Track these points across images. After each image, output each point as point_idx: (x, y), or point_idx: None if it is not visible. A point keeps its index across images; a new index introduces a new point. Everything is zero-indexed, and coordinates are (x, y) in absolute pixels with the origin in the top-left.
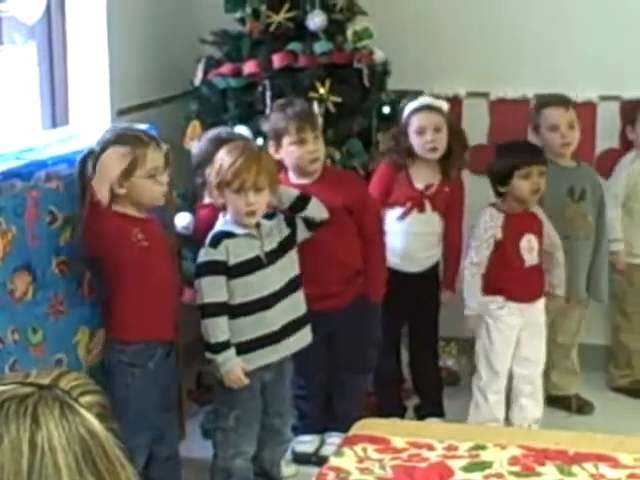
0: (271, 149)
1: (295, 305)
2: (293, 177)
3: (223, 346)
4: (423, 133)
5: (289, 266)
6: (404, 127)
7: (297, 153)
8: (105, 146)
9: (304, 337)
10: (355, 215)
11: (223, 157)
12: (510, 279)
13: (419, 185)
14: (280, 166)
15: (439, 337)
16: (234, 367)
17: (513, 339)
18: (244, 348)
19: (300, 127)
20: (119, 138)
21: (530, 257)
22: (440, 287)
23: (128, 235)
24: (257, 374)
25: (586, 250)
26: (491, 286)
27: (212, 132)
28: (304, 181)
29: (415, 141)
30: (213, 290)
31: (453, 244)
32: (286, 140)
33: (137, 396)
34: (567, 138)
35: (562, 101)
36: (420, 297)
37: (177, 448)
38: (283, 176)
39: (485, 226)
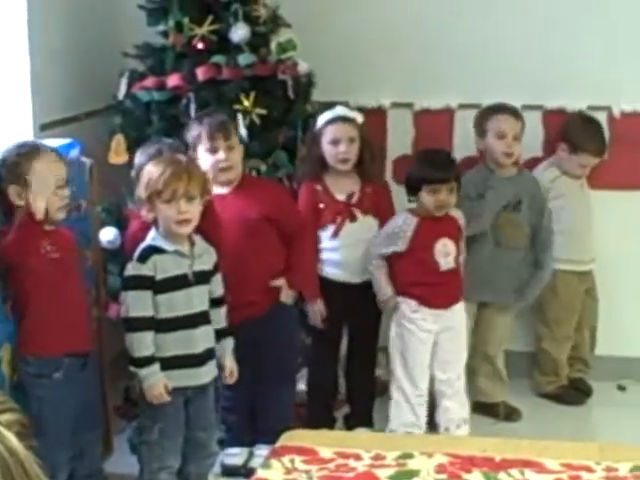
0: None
1: (211, 335)
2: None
3: (147, 361)
4: (336, 144)
5: (214, 290)
6: (317, 137)
7: (209, 161)
8: (8, 156)
9: (214, 368)
10: (278, 222)
11: (151, 170)
12: (424, 284)
13: (341, 196)
14: None
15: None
16: (157, 382)
17: (429, 343)
18: (167, 364)
19: (212, 136)
20: (20, 150)
21: (445, 261)
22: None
23: (37, 246)
24: (180, 388)
25: (514, 259)
26: (405, 289)
27: (152, 146)
28: (222, 191)
29: (328, 151)
30: (139, 304)
31: None
32: (200, 148)
33: (50, 408)
34: (511, 148)
35: (514, 111)
36: (360, 308)
37: (100, 465)
38: None
39: (396, 225)
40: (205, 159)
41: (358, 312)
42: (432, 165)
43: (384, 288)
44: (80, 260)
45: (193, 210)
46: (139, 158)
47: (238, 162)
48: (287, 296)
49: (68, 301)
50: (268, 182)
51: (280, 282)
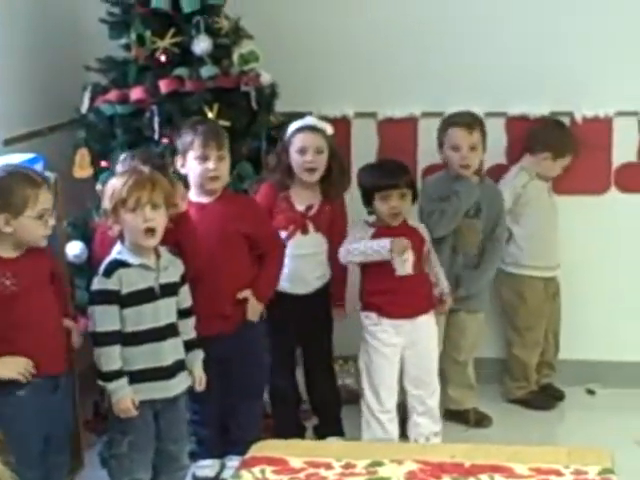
0: (178, 163)
1: (180, 347)
2: (194, 194)
3: (115, 375)
4: (304, 153)
5: (181, 301)
6: (286, 145)
7: (198, 169)
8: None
9: (186, 379)
10: (253, 239)
11: (114, 182)
12: (382, 292)
13: (300, 207)
14: (184, 183)
15: (338, 356)
16: (124, 397)
17: (394, 358)
18: (135, 377)
19: (204, 144)
20: (12, 176)
21: (401, 267)
22: (330, 308)
23: None
24: (149, 401)
25: (469, 265)
26: (366, 300)
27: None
28: (203, 199)
29: (295, 160)
30: (105, 319)
31: (338, 262)
32: (190, 155)
33: (14, 426)
34: (466, 160)
35: (468, 123)
36: (312, 318)
37: None
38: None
39: (355, 232)
40: (194, 166)
41: (309, 323)
42: (380, 171)
43: (379, 243)
44: (57, 276)
45: (158, 219)
46: (118, 169)
47: (226, 173)
48: (254, 312)
49: (34, 327)
50: (248, 198)
51: (246, 293)
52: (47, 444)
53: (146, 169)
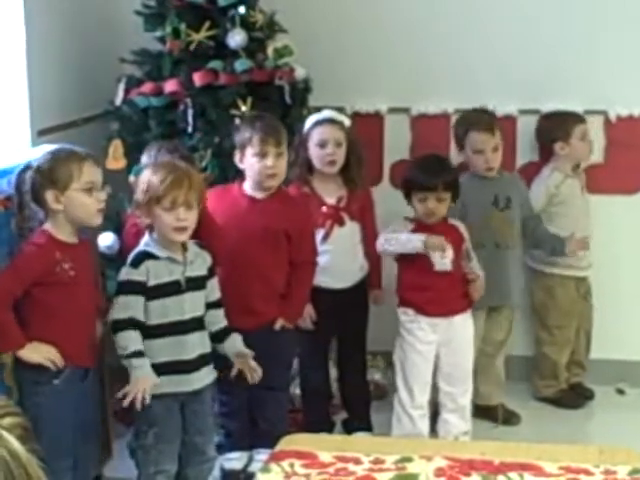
0: (236, 158)
1: (205, 341)
2: (249, 188)
3: (136, 354)
4: (324, 146)
5: (210, 294)
6: (305, 139)
7: (256, 166)
8: (43, 162)
9: (211, 373)
10: (292, 242)
11: (149, 176)
12: (420, 288)
13: (331, 200)
14: (241, 176)
15: (367, 351)
16: (145, 376)
17: (429, 354)
18: (158, 370)
19: (263, 140)
20: (56, 154)
21: (440, 262)
22: (368, 302)
23: (53, 262)
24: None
25: (514, 257)
26: (403, 296)
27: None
28: (257, 194)
29: (315, 153)
30: (126, 307)
31: (372, 246)
32: (249, 151)
33: (48, 415)
34: (490, 162)
35: (489, 126)
36: (349, 312)
37: (89, 476)
38: (238, 184)
39: (394, 227)
40: (252, 163)
41: (346, 317)
42: (422, 173)
43: (418, 237)
44: (96, 275)
45: (191, 218)
46: (144, 160)
47: (284, 170)
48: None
49: (76, 318)
50: (298, 200)
51: (280, 322)
52: (76, 433)
53: (182, 165)
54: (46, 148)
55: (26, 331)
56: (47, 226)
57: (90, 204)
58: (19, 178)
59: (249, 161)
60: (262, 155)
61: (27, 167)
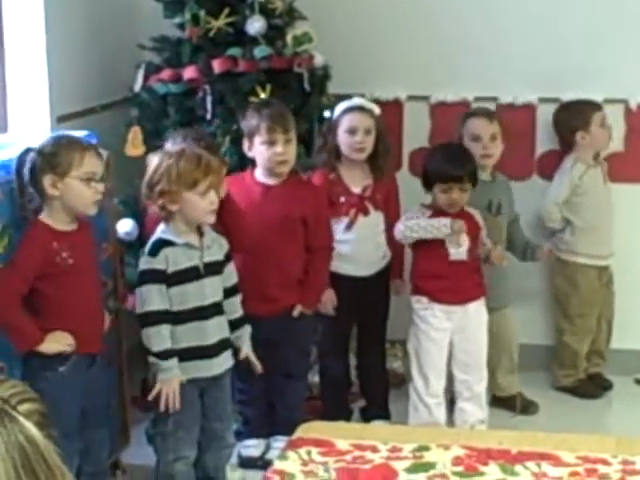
0: (245, 146)
1: (224, 326)
2: (260, 175)
3: (166, 354)
4: (353, 133)
5: (227, 279)
6: (334, 126)
7: (266, 154)
8: (45, 146)
9: (229, 359)
10: (308, 227)
11: (175, 163)
12: (435, 276)
13: (356, 189)
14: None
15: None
16: (173, 377)
17: (443, 342)
18: (180, 356)
19: (271, 128)
20: (59, 139)
21: (456, 251)
22: (389, 291)
23: (51, 253)
24: (193, 379)
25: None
26: (417, 284)
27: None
28: (270, 181)
29: (343, 140)
30: (153, 298)
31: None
32: (257, 139)
33: (53, 401)
34: (488, 150)
35: (487, 113)
36: (370, 300)
37: (105, 465)
38: (250, 172)
39: (411, 214)
40: (262, 151)
41: (368, 305)
42: (446, 163)
43: (440, 221)
44: (98, 259)
45: (217, 201)
46: (168, 147)
47: (293, 155)
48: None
49: (81, 304)
50: (311, 186)
51: (298, 309)
52: (85, 419)
53: (203, 151)
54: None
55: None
56: (42, 215)
57: (87, 194)
58: (20, 160)
59: (258, 149)
60: (271, 143)
61: (28, 150)
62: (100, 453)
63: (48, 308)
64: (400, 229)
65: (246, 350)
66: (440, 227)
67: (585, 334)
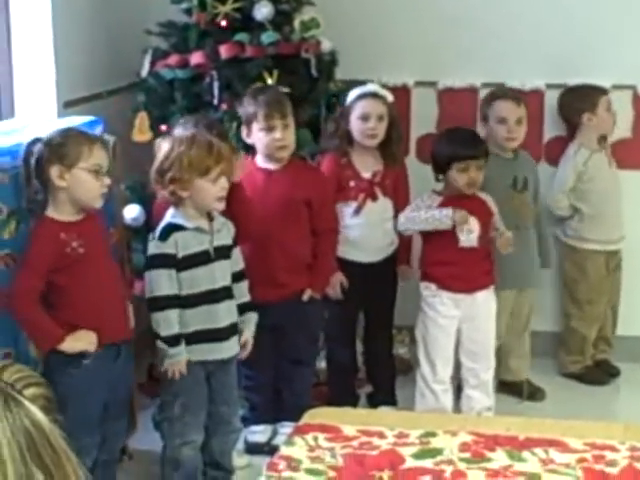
0: (243, 133)
1: (234, 310)
2: (261, 161)
3: (174, 339)
4: (366, 120)
5: (234, 264)
6: (347, 112)
7: (265, 140)
8: (54, 136)
9: (236, 344)
10: (313, 210)
11: (187, 149)
12: (444, 263)
13: (366, 174)
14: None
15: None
16: (180, 361)
17: (451, 329)
18: (189, 339)
19: (268, 114)
20: (67, 131)
21: (467, 238)
22: (397, 277)
23: (61, 245)
24: (202, 362)
25: (534, 238)
26: (426, 270)
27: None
28: (270, 166)
29: (356, 126)
30: (162, 283)
31: None
32: (255, 126)
33: (77, 395)
34: (513, 133)
35: (515, 96)
36: (377, 287)
37: (118, 453)
38: (250, 158)
39: (421, 201)
40: (261, 137)
41: (375, 291)
42: (462, 142)
43: (441, 211)
44: (110, 245)
45: (227, 187)
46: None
47: (292, 140)
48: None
49: (99, 292)
50: (313, 168)
51: (308, 293)
52: (106, 411)
53: (214, 138)
54: (65, 123)
55: (54, 317)
56: (48, 211)
57: (95, 186)
58: (27, 150)
59: (257, 135)
60: (269, 129)
61: (36, 140)
62: (116, 443)
63: (66, 300)
64: (401, 221)
65: (247, 335)
66: (442, 218)
67: (593, 320)
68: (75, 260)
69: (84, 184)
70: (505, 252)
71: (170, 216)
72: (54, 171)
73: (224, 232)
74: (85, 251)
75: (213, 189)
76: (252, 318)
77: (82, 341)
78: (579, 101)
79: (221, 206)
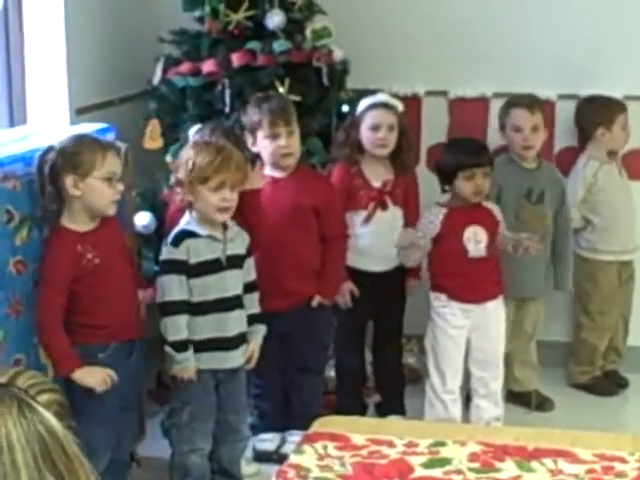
0: (248, 142)
1: (244, 319)
2: (267, 169)
3: (182, 345)
4: (377, 130)
5: (246, 274)
6: (357, 121)
7: (270, 148)
8: (67, 145)
9: (243, 355)
10: (320, 217)
11: (194, 155)
12: (453, 274)
13: (376, 184)
14: (258, 159)
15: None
16: (188, 367)
17: (461, 339)
18: (199, 347)
19: (273, 122)
20: (80, 139)
21: (475, 248)
22: (405, 286)
23: (77, 257)
24: (211, 370)
25: (543, 253)
26: (435, 281)
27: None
28: (276, 174)
29: (367, 136)
30: (172, 288)
31: None
32: (260, 134)
33: (92, 392)
34: (529, 141)
35: (529, 104)
36: (387, 296)
37: (127, 454)
38: (259, 167)
39: (427, 220)
40: (266, 145)
41: (384, 300)
42: (466, 151)
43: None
44: (126, 247)
45: (235, 199)
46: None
47: (298, 147)
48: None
49: (114, 298)
50: (320, 176)
51: (317, 299)
52: (119, 412)
53: (228, 146)
54: (77, 130)
55: (72, 319)
56: (63, 220)
57: (108, 194)
58: (41, 159)
59: (262, 144)
60: (274, 137)
61: (50, 149)
62: (128, 445)
63: (82, 306)
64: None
65: (253, 347)
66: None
67: (604, 331)
68: (90, 272)
69: (98, 192)
70: (536, 252)
71: (184, 223)
72: (69, 181)
73: (238, 241)
74: (100, 261)
75: (212, 198)
76: (260, 330)
77: (94, 378)
78: (596, 113)
79: (222, 217)
